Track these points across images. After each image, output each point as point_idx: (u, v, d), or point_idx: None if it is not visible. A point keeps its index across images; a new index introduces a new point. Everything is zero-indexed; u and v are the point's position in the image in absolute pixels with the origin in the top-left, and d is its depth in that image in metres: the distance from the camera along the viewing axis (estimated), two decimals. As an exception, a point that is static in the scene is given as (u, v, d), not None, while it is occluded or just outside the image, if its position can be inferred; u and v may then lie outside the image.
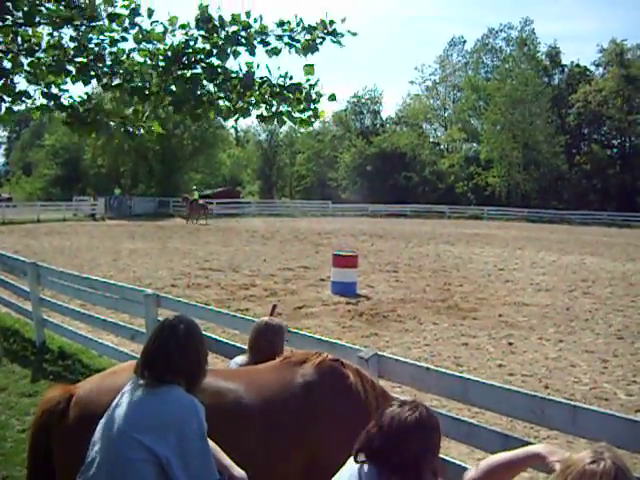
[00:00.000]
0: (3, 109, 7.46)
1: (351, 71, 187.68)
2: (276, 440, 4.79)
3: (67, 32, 7.03)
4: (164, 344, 3.91)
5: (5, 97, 7.15)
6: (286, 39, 7.15)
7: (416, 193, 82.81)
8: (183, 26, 7.08)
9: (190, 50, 7.13)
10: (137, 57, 7.30)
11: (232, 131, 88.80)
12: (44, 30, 7.05)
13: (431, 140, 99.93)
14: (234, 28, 7.04)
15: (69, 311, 12.73)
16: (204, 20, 6.96)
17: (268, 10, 7.14)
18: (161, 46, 7.16)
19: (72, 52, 6.96)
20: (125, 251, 30.57)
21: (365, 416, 5.00)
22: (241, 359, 6.18)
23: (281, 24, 7.12)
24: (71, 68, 6.95)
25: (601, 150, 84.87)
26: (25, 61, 6.98)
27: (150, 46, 7.18)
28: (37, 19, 6.80)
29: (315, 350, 5.45)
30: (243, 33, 7.05)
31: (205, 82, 7.27)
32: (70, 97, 7.26)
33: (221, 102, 7.46)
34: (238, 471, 3.99)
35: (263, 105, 7.52)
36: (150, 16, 6.93)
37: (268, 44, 7.12)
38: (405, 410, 3.48)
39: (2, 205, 56.98)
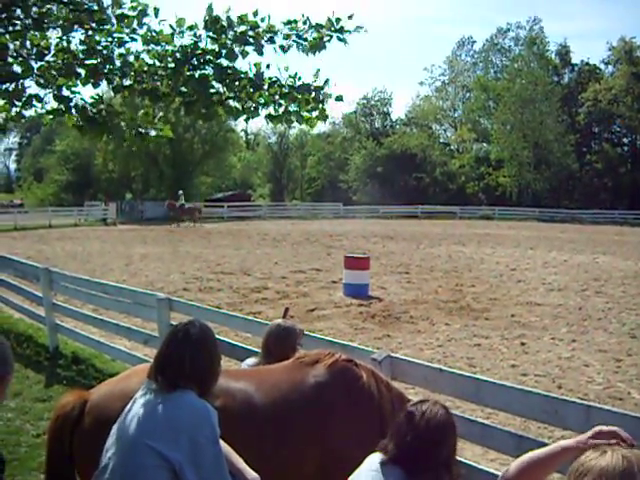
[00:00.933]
0: (13, 112, 7.51)
1: (360, 73, 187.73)
2: (288, 441, 4.79)
3: (76, 35, 7.07)
4: (177, 349, 3.90)
5: (15, 101, 7.18)
6: (294, 37, 7.17)
7: (427, 194, 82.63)
8: (191, 27, 7.11)
9: (199, 51, 7.15)
10: (147, 59, 7.33)
11: (242, 134, 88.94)
12: (53, 34, 7.08)
13: (441, 141, 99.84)
14: (242, 28, 7.07)
15: (82, 316, 12.75)
16: (212, 21, 6.99)
17: (278, 10, 7.15)
18: (170, 47, 7.19)
19: (81, 55, 6.99)
20: (137, 255, 30.61)
21: (378, 417, 5.03)
22: (252, 361, 6.19)
23: (288, 23, 7.14)
24: (81, 71, 6.98)
25: (612, 148, 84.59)
26: (35, 65, 7.00)
27: (159, 48, 7.21)
28: (46, 23, 6.83)
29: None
30: (251, 33, 7.07)
31: (215, 82, 7.30)
32: (82, 99, 7.29)
33: (231, 102, 7.48)
34: (251, 474, 3.99)
35: (272, 105, 7.54)
36: (157, 15, 6.96)
37: (275, 43, 7.15)
38: (434, 411, 3.49)
39: (14, 211, 57.11)
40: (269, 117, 7.64)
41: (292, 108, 7.55)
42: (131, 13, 6.88)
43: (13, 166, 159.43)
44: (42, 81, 6.90)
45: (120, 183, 79.80)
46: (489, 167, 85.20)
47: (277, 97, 7.44)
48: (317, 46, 7.16)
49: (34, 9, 6.76)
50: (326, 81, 7.42)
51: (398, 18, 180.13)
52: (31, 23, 6.81)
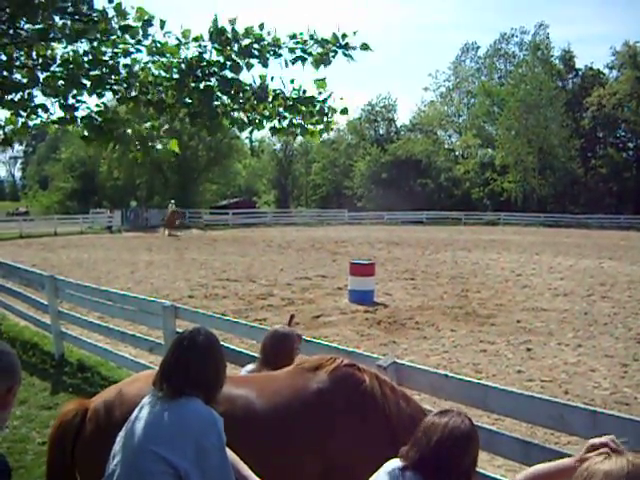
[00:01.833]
0: (19, 124, 7.52)
1: (365, 79, 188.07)
2: (290, 447, 4.79)
3: (81, 46, 7.08)
4: (183, 356, 3.90)
5: (21, 112, 7.19)
6: (299, 52, 7.17)
7: (432, 200, 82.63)
8: (196, 39, 7.12)
9: (204, 63, 7.16)
10: (152, 69, 7.34)
11: (247, 141, 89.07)
12: (58, 45, 7.09)
13: (446, 146, 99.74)
14: (247, 41, 7.07)
15: (87, 324, 12.76)
16: (218, 33, 6.99)
17: (282, 21, 7.17)
18: (175, 59, 7.20)
19: (87, 65, 7.00)
20: (142, 263, 30.65)
21: (383, 420, 5.05)
22: (251, 367, 6.20)
23: (293, 37, 7.14)
24: (86, 81, 6.99)
25: (617, 153, 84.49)
26: (41, 75, 7.02)
27: (164, 59, 7.22)
28: (52, 34, 6.85)
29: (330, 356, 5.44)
30: (256, 46, 7.07)
31: (219, 94, 7.30)
32: (87, 107, 7.30)
33: (235, 114, 7.48)
34: (257, 481, 3.99)
35: (276, 118, 7.55)
36: (163, 27, 6.96)
37: (281, 56, 7.15)
38: (458, 421, 3.50)
39: (20, 219, 57.31)
40: (273, 130, 7.65)
41: (296, 121, 7.55)
42: (136, 24, 6.89)
43: (18, 174, 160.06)
44: (48, 91, 6.90)
45: (125, 190, 79.88)
46: (494, 172, 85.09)
47: (281, 109, 7.44)
48: (322, 61, 7.17)
49: (40, 20, 6.78)
50: (329, 94, 7.42)
51: (403, 24, 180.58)
52: (37, 34, 6.83)
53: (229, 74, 7.20)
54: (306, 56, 7.17)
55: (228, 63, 7.12)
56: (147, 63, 7.29)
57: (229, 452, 3.80)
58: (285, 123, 7.58)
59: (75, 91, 7.02)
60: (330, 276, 25.57)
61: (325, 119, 7.53)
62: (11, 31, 6.93)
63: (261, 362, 6.01)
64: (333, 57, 7.18)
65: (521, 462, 5.84)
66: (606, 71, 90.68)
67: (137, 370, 10.26)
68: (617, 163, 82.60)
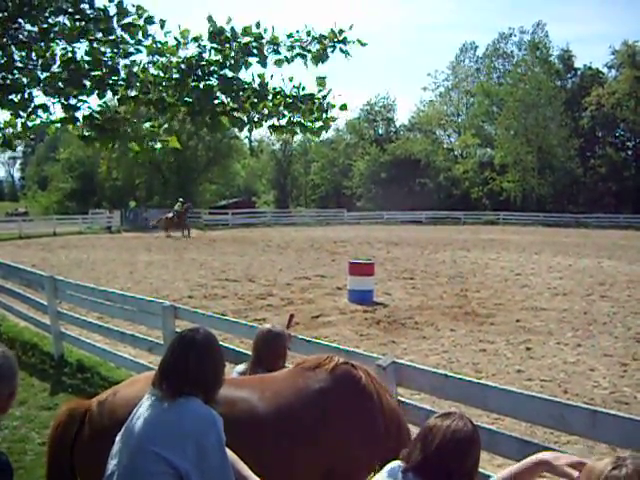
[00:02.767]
0: (19, 125, 7.52)
1: (363, 79, 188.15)
2: (294, 447, 4.82)
3: (81, 46, 7.08)
4: (182, 356, 3.90)
5: (21, 112, 7.19)
6: (297, 49, 7.18)
7: (431, 199, 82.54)
8: (196, 39, 7.13)
9: (204, 62, 7.17)
10: (152, 70, 7.34)
11: (246, 141, 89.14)
12: (58, 45, 7.09)
13: (445, 146, 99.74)
14: (246, 39, 7.08)
15: (87, 324, 12.76)
16: (216, 33, 7.00)
17: (280, 23, 7.18)
18: (175, 59, 7.20)
19: (87, 66, 7.00)
20: (141, 263, 30.65)
21: (380, 416, 5.18)
22: (242, 368, 6.20)
23: (290, 35, 7.15)
24: (87, 82, 6.99)
25: (616, 153, 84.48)
26: (41, 76, 7.02)
27: (164, 59, 7.23)
28: (52, 34, 6.85)
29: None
30: (254, 44, 7.08)
31: (219, 93, 7.31)
32: (89, 107, 7.30)
33: (235, 112, 7.49)
34: (257, 480, 3.99)
35: (275, 116, 7.55)
36: (163, 27, 6.97)
37: (279, 54, 7.16)
38: (460, 424, 3.50)
39: (19, 219, 57.26)
40: (272, 128, 7.65)
41: (296, 118, 7.56)
42: (137, 22, 6.89)
43: (17, 174, 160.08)
44: (49, 91, 6.90)
45: (124, 191, 79.89)
46: (493, 172, 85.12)
47: (281, 108, 7.44)
48: (320, 57, 7.18)
49: (40, 20, 6.78)
50: (329, 91, 7.42)
51: (401, 24, 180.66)
52: (37, 34, 6.83)
53: (229, 73, 7.21)
54: (305, 53, 7.18)
55: (227, 62, 7.12)
56: (147, 64, 7.29)
57: (229, 452, 3.81)
58: (284, 121, 7.58)
59: (76, 91, 7.02)
60: (329, 276, 25.56)
61: (324, 116, 7.53)
62: (11, 31, 6.92)
63: (253, 362, 6.01)
64: (331, 52, 7.20)
65: (520, 461, 5.85)
66: (605, 70, 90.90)
67: (137, 370, 10.28)
68: (616, 163, 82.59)
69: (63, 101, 7.04)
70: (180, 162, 75.09)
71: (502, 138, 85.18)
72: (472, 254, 35.56)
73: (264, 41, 7.08)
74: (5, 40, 6.93)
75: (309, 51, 7.17)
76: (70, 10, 6.83)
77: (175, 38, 7.05)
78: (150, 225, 53.58)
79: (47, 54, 7.07)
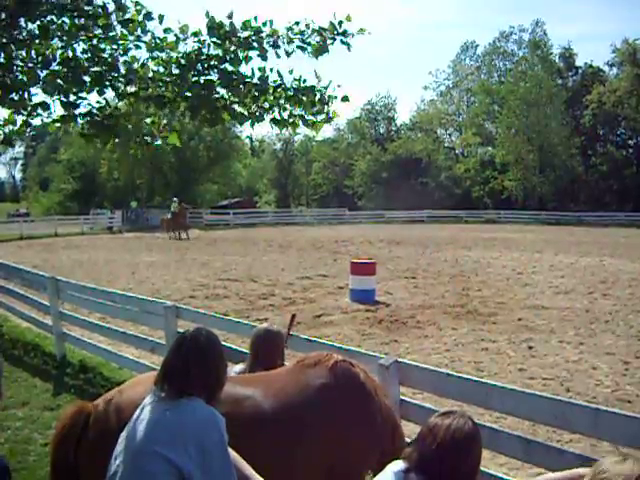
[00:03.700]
0: (20, 122, 7.52)
1: (364, 78, 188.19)
2: (298, 444, 4.86)
3: (80, 44, 7.09)
4: (184, 357, 3.91)
5: (22, 110, 7.20)
6: (297, 42, 7.18)
7: (432, 198, 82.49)
8: (195, 34, 7.13)
9: (203, 57, 7.17)
10: (152, 66, 7.34)
11: (247, 141, 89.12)
12: (57, 43, 7.09)
13: (446, 145, 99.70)
14: (246, 34, 7.08)
15: (89, 324, 12.77)
16: (216, 27, 7.00)
17: (279, 19, 7.17)
18: (174, 54, 7.21)
19: (86, 63, 7.01)
20: (143, 263, 30.66)
21: (379, 412, 5.29)
22: (240, 367, 6.20)
23: (290, 29, 7.15)
24: (86, 78, 6.99)
25: (617, 151, 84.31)
26: (41, 74, 7.02)
27: (163, 55, 7.23)
28: (51, 32, 6.85)
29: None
30: (254, 38, 7.09)
31: (220, 88, 7.31)
32: (89, 104, 7.30)
33: (236, 107, 7.49)
34: None
35: (277, 109, 7.55)
36: (161, 22, 6.98)
37: (279, 48, 7.16)
38: (461, 422, 3.50)
39: (20, 220, 57.29)
40: (274, 121, 7.64)
41: (297, 112, 7.55)
42: (135, 18, 6.90)
43: (19, 175, 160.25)
44: (49, 89, 6.90)
45: (125, 191, 79.82)
46: (494, 171, 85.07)
47: (282, 101, 7.44)
48: (321, 50, 7.18)
49: (39, 18, 6.78)
50: (329, 82, 7.42)
51: (402, 23, 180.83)
52: (37, 32, 6.83)
53: (229, 67, 7.21)
54: (305, 46, 7.18)
55: (227, 57, 7.13)
56: (147, 60, 7.29)
57: (231, 451, 3.81)
58: (286, 114, 7.58)
59: (75, 89, 7.02)
60: (331, 275, 25.56)
61: (326, 108, 7.53)
62: (10, 30, 6.92)
63: (252, 362, 6.01)
64: (332, 44, 7.20)
65: (523, 460, 5.85)
66: (606, 68, 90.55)
67: (139, 370, 10.28)
68: (617, 161, 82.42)
69: (63, 99, 7.04)
70: (181, 162, 75.10)
71: (503, 137, 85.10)
72: (474, 253, 35.54)
73: (264, 35, 7.08)
74: (4, 39, 6.94)
75: (309, 44, 7.17)
76: (69, 7, 6.84)
77: (174, 34, 7.06)
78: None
79: (46, 52, 7.08)
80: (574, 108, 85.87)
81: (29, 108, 7.15)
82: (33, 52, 7.10)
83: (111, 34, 6.98)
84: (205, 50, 7.18)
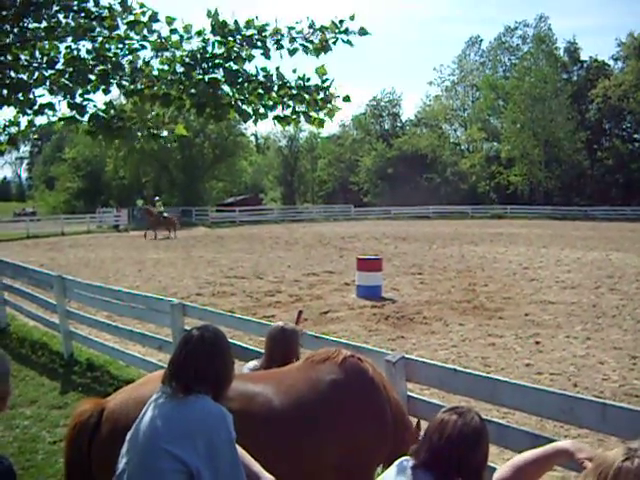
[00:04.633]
0: (26, 122, 7.53)
1: (369, 74, 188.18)
2: (310, 440, 4.90)
3: (85, 44, 7.10)
4: (191, 354, 3.91)
5: (27, 110, 7.21)
6: (300, 40, 7.19)
7: (438, 194, 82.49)
8: (199, 33, 7.14)
9: (208, 55, 7.18)
10: (156, 65, 7.35)
11: (252, 138, 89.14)
12: (62, 43, 7.11)
13: (451, 141, 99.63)
14: (249, 32, 7.09)
15: (96, 323, 12.79)
16: (220, 26, 7.01)
17: (283, 16, 7.16)
18: (179, 53, 7.22)
19: (91, 63, 7.02)
20: (150, 261, 30.69)
21: (385, 405, 5.32)
22: (253, 364, 6.21)
23: (292, 28, 7.16)
24: (92, 77, 7.01)
25: (622, 145, 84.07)
26: (46, 74, 7.03)
27: (168, 54, 7.24)
28: (57, 33, 6.86)
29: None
30: (257, 37, 7.09)
31: (225, 85, 7.32)
32: (94, 105, 7.32)
33: (240, 104, 7.49)
34: (266, 477, 4.00)
35: (280, 106, 7.55)
36: (170, 24, 6.99)
37: (282, 47, 7.17)
38: (468, 417, 3.50)
39: (26, 219, 57.38)
40: (277, 119, 7.65)
41: (300, 109, 7.56)
42: (141, 19, 6.91)
43: (25, 174, 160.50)
44: (54, 88, 6.91)
45: (131, 189, 79.98)
46: (500, 166, 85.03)
47: (286, 99, 7.45)
48: (323, 48, 7.19)
49: (45, 18, 6.79)
50: (332, 81, 7.42)
51: (407, 18, 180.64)
52: (42, 33, 6.84)
53: (234, 66, 7.22)
54: (307, 44, 7.19)
55: (232, 55, 7.13)
56: (151, 58, 7.30)
57: (238, 448, 3.81)
58: (289, 111, 7.59)
59: (81, 89, 7.03)
60: (337, 272, 25.55)
61: (329, 106, 7.54)
62: (16, 30, 6.94)
63: (267, 360, 6.01)
64: (334, 44, 7.21)
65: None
66: (611, 62, 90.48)
67: (146, 368, 10.31)
68: (623, 155, 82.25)
69: (69, 100, 7.05)
70: (186, 160, 75.21)
71: (508, 132, 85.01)
72: (480, 248, 35.50)
73: (267, 33, 7.09)
74: (10, 39, 6.95)
75: (311, 42, 7.17)
76: (75, 8, 6.85)
77: (179, 34, 7.06)
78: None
79: (51, 52, 7.10)
80: (579, 102, 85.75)
81: (35, 108, 7.16)
82: (37, 52, 7.11)
83: (116, 34, 6.99)
84: (210, 49, 7.20)
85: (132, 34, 7.01)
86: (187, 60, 7.19)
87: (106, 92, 7.18)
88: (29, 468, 7.81)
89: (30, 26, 6.94)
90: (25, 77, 7.07)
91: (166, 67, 7.32)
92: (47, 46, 7.09)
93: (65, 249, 38.42)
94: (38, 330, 15.06)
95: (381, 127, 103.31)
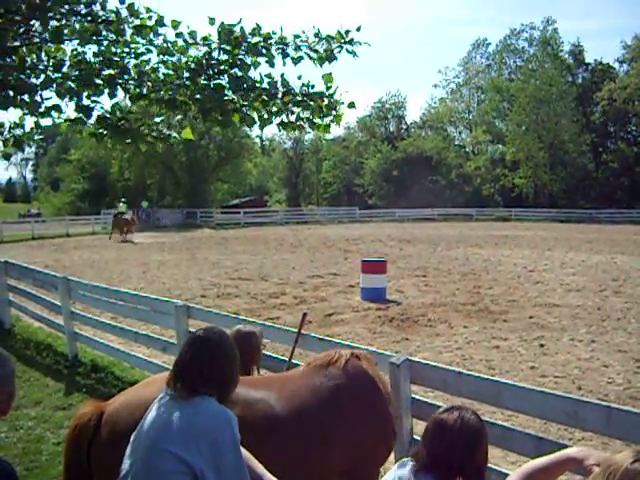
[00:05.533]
0: (31, 124, 7.54)
1: (374, 76, 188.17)
2: (312, 447, 4.87)
3: (91, 47, 7.11)
4: (196, 356, 3.91)
5: (34, 112, 7.22)
6: (305, 49, 7.20)
7: (443, 197, 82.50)
8: (205, 38, 7.15)
9: (213, 62, 7.19)
10: (162, 69, 7.37)
11: (257, 140, 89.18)
12: (68, 46, 7.12)
13: (456, 143, 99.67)
14: (255, 40, 7.10)
15: (100, 324, 12.80)
16: (226, 33, 7.02)
17: (288, 21, 7.20)
18: (184, 59, 7.23)
19: (98, 66, 7.04)
20: (154, 263, 30.71)
21: (385, 403, 5.41)
22: None
23: (297, 37, 7.17)
24: (99, 81, 7.03)
25: (628, 147, 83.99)
26: (52, 76, 7.05)
27: (174, 59, 7.25)
28: (64, 36, 6.87)
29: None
30: (263, 44, 7.11)
31: (230, 92, 7.33)
32: (101, 107, 7.33)
33: (245, 110, 7.51)
34: (271, 479, 4.00)
35: (284, 113, 7.57)
36: (175, 28, 7.00)
37: (287, 55, 7.18)
38: (467, 417, 3.50)
39: (32, 220, 57.41)
40: (282, 125, 7.66)
41: (304, 115, 7.57)
42: (148, 23, 6.92)
43: (30, 176, 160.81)
44: (61, 91, 6.92)
45: (136, 191, 79.96)
46: (505, 168, 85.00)
47: (290, 105, 7.46)
48: (328, 58, 7.20)
49: (52, 22, 6.81)
50: (336, 88, 7.43)
51: (412, 21, 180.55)
52: (49, 36, 6.86)
53: (239, 72, 7.23)
54: (312, 53, 7.20)
55: (237, 62, 7.15)
56: (157, 63, 7.32)
57: (243, 450, 3.81)
58: (293, 117, 7.60)
59: (87, 92, 7.05)
60: (342, 274, 25.56)
61: (334, 112, 7.55)
62: (22, 33, 6.96)
63: None
64: (339, 53, 7.22)
65: (535, 458, 5.84)
66: (616, 65, 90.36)
67: (150, 370, 10.32)
68: (628, 157, 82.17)
69: (76, 102, 7.07)
70: (191, 162, 75.21)
71: (513, 134, 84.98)
72: (484, 251, 35.48)
73: (272, 41, 7.10)
74: (17, 41, 6.97)
75: (316, 51, 7.18)
76: (82, 12, 6.86)
77: (184, 39, 7.08)
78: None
79: (58, 55, 7.11)
80: (584, 105, 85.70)
81: (41, 110, 7.17)
82: (43, 54, 7.13)
83: (122, 38, 7.01)
84: (215, 55, 7.21)
85: (138, 38, 7.02)
86: (192, 66, 7.21)
87: (112, 96, 7.20)
88: (33, 469, 7.82)
89: (37, 29, 6.96)
90: (31, 79, 7.08)
91: (171, 72, 7.33)
92: (53, 49, 7.10)
93: (70, 250, 38.45)
94: (43, 331, 15.08)
95: (386, 129, 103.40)
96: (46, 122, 7.57)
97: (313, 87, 7.41)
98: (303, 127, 7.75)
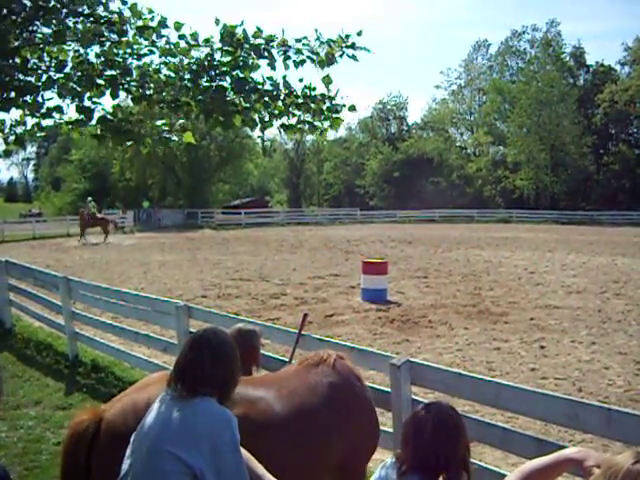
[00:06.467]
0: (32, 123, 7.54)
1: (376, 77, 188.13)
2: (312, 443, 4.93)
3: (94, 48, 7.11)
4: (197, 356, 3.90)
5: (35, 113, 7.22)
6: (306, 52, 7.20)
7: (444, 198, 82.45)
8: (207, 40, 7.15)
9: (215, 63, 7.20)
10: (164, 71, 7.37)
11: (258, 141, 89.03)
12: (70, 47, 7.12)
13: (457, 144, 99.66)
14: (257, 42, 7.10)
15: (101, 324, 12.80)
16: (228, 34, 7.02)
17: (289, 22, 7.22)
18: (187, 60, 7.23)
19: (100, 67, 7.04)
20: (155, 263, 30.70)
21: (369, 398, 5.62)
22: None
23: (299, 40, 7.17)
24: (101, 82, 7.03)
25: (629, 149, 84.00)
26: (54, 77, 7.05)
27: (176, 60, 7.26)
28: (66, 37, 6.88)
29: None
30: (264, 46, 7.11)
31: (232, 94, 7.34)
32: (103, 109, 7.33)
33: (246, 112, 7.51)
34: (271, 479, 4.00)
35: (286, 115, 7.57)
36: (178, 29, 7.00)
37: (289, 58, 7.18)
38: (445, 412, 3.51)
39: (32, 220, 57.45)
40: (283, 127, 7.67)
41: (305, 117, 7.58)
42: (150, 24, 6.93)
43: (31, 176, 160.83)
44: (63, 92, 6.92)
45: (137, 191, 79.99)
46: (506, 170, 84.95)
47: (292, 108, 7.46)
48: (329, 61, 7.21)
49: (55, 22, 6.81)
50: (337, 91, 7.44)
51: (414, 22, 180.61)
52: (51, 36, 6.86)
53: (240, 74, 7.23)
54: (313, 56, 7.20)
55: (239, 63, 7.15)
56: (159, 65, 7.32)
57: (243, 450, 3.81)
58: (294, 120, 7.61)
59: (89, 93, 7.05)
60: (343, 275, 25.56)
61: (333, 116, 7.55)
62: (25, 34, 6.96)
63: None
64: (340, 57, 7.23)
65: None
66: (618, 67, 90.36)
67: (151, 370, 10.30)
68: (630, 160, 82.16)
69: (78, 103, 7.07)
70: (193, 162, 75.27)
71: (515, 136, 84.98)
72: (485, 252, 35.47)
73: (274, 44, 7.10)
74: (19, 42, 6.97)
75: (317, 54, 7.19)
76: (84, 13, 6.87)
77: (186, 41, 7.08)
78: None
79: (60, 55, 7.11)
80: (586, 107, 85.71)
81: (42, 111, 7.18)
82: (45, 55, 7.13)
83: (125, 39, 7.01)
84: (217, 56, 7.21)
85: (141, 39, 7.02)
86: (195, 67, 7.21)
87: (114, 97, 7.20)
88: (33, 469, 7.82)
89: (39, 30, 6.96)
90: (33, 80, 7.08)
91: (173, 74, 7.34)
92: (56, 50, 7.10)
93: (71, 250, 38.48)
94: (43, 331, 15.08)
95: (387, 130, 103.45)
96: (47, 122, 7.58)
97: (314, 89, 7.42)
98: (304, 130, 7.76)
